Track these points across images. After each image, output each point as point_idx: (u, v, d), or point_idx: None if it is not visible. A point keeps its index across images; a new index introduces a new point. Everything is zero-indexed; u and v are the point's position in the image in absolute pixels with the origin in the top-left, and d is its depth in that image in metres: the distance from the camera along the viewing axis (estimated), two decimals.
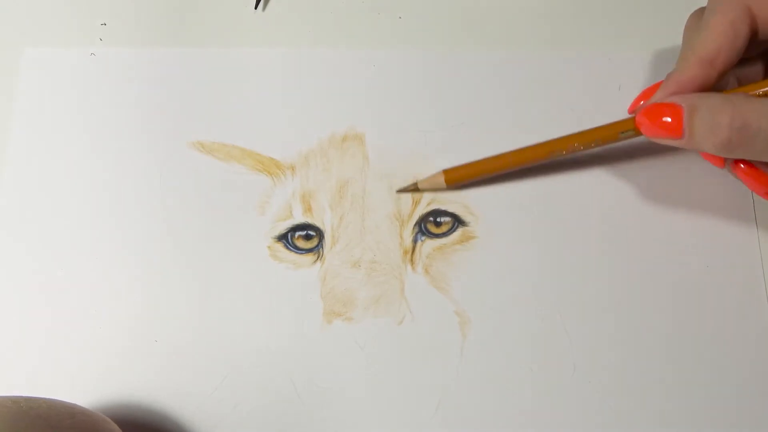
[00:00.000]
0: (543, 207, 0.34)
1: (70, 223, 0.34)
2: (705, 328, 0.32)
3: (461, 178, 0.34)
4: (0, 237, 0.34)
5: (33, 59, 0.37)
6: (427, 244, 0.33)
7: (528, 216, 0.34)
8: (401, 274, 0.33)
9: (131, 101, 0.36)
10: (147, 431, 0.31)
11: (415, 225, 0.34)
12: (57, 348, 0.32)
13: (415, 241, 0.34)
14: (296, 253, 0.33)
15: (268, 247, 0.34)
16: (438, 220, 0.34)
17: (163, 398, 0.32)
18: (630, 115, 0.31)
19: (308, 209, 0.34)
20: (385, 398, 0.31)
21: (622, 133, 0.31)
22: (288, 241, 0.34)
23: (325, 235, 0.34)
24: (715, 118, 0.27)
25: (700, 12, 0.31)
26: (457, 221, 0.34)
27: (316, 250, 0.33)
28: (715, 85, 0.29)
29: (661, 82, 0.30)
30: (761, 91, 0.29)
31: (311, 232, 0.34)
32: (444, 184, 0.34)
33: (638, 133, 0.31)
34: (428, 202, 0.34)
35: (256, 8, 0.38)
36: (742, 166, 0.30)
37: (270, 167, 0.35)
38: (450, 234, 0.34)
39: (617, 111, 0.35)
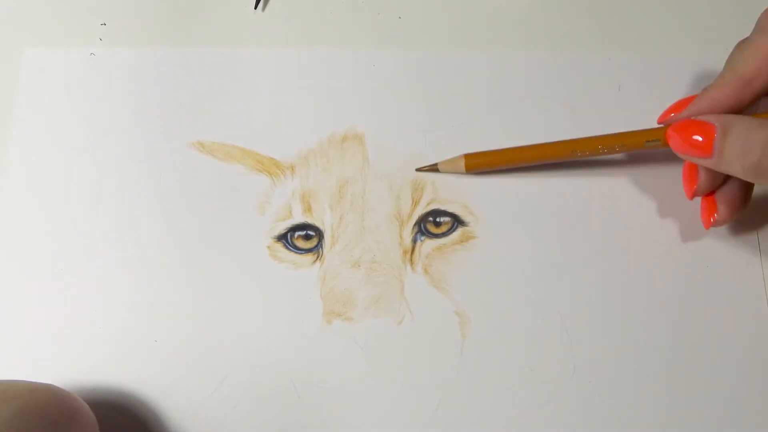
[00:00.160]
0: (543, 207, 0.34)
1: (70, 222, 0.34)
2: (705, 328, 0.32)
3: (481, 165, 0.34)
4: (0, 237, 0.34)
5: (33, 59, 0.37)
6: (427, 244, 0.33)
7: (528, 216, 0.34)
8: (401, 274, 0.33)
9: (131, 101, 0.36)
10: (147, 431, 0.31)
11: (414, 225, 0.34)
12: (57, 348, 0.32)
13: (414, 241, 0.34)
14: (296, 253, 0.33)
15: (268, 247, 0.34)
16: (438, 220, 0.34)
17: (163, 398, 0.32)
18: (659, 125, 0.31)
19: (308, 209, 0.34)
20: (385, 398, 0.31)
21: (648, 142, 0.31)
22: (288, 241, 0.34)
23: (325, 235, 0.34)
24: (748, 140, 0.27)
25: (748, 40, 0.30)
26: (457, 221, 0.34)
27: (316, 250, 0.33)
28: (747, 107, 0.29)
29: (695, 96, 0.30)
30: None
31: (311, 232, 0.34)
32: (464, 169, 0.34)
33: (665, 144, 0.30)
34: (428, 202, 0.34)
35: (256, 8, 0.38)
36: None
37: (270, 167, 0.35)
38: (450, 234, 0.34)
39: (617, 111, 0.35)
